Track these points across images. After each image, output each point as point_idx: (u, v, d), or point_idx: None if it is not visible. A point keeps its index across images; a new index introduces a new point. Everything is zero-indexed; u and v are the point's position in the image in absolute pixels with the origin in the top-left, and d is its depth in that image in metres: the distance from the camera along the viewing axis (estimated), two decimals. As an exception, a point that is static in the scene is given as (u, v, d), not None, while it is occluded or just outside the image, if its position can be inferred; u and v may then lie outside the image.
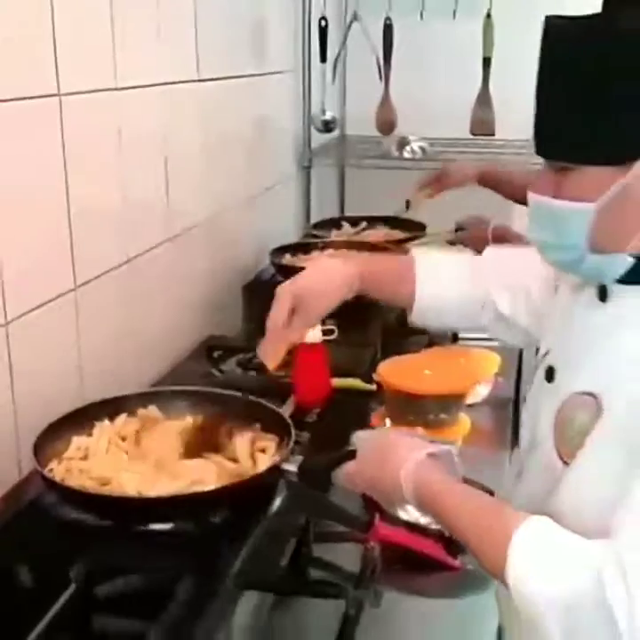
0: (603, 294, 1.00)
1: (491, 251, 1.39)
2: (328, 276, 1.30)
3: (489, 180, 2.06)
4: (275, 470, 1.10)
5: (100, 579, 0.90)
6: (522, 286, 1.27)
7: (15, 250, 1.25)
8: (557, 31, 0.94)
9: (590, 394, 0.96)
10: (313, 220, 2.70)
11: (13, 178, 1.24)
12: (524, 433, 1.14)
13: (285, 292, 1.29)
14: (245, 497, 1.05)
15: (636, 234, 0.93)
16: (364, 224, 2.46)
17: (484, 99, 2.56)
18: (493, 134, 2.57)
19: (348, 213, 2.89)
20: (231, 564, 0.97)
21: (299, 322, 1.30)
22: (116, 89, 1.51)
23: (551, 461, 1.01)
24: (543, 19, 0.97)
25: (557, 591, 0.87)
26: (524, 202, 1.24)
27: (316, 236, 2.42)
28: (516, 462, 1.18)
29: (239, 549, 1.00)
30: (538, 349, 1.19)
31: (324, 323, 1.59)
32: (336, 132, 2.82)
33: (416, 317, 1.36)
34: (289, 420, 1.22)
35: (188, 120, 1.83)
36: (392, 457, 1.04)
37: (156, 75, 1.67)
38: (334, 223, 2.54)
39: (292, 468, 1.12)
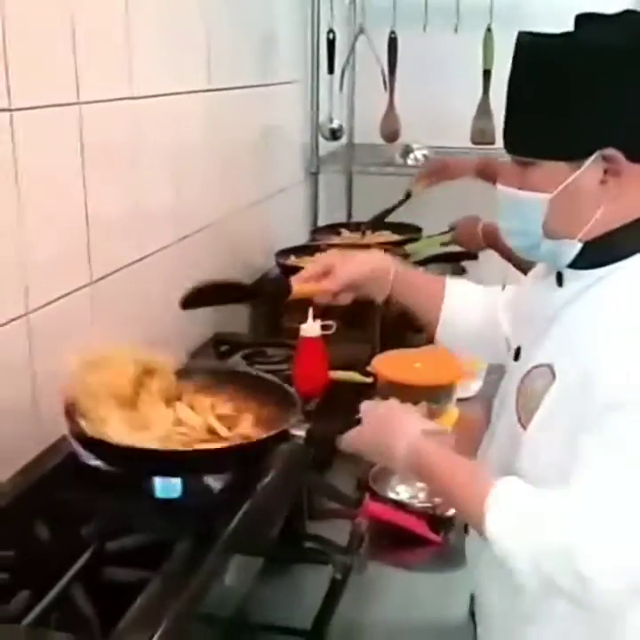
0: (559, 279, 1.11)
1: (513, 288, 1.46)
2: (372, 257, 1.38)
3: (487, 173, 2.08)
4: (284, 434, 1.18)
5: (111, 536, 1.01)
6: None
7: (39, 246, 1.37)
8: (525, 44, 1.06)
9: (545, 365, 1.07)
10: (322, 224, 2.81)
11: (37, 182, 1.35)
12: (496, 407, 1.25)
13: (327, 256, 1.41)
14: (251, 459, 1.15)
15: (586, 223, 1.03)
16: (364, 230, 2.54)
17: (484, 109, 2.65)
18: (493, 143, 2.66)
19: (355, 218, 3.00)
20: (227, 526, 1.07)
21: (330, 279, 1.35)
22: (132, 98, 1.63)
23: (513, 427, 1.12)
24: (518, 33, 1.08)
25: (528, 541, 0.98)
26: None
27: (317, 240, 2.53)
28: (489, 431, 1.28)
29: (235, 514, 1.10)
30: None
31: (323, 319, 1.70)
32: (343, 140, 2.92)
33: (441, 335, 1.40)
34: (292, 390, 1.31)
35: (199, 127, 1.94)
36: (392, 425, 1.14)
37: (170, 84, 1.78)
38: (333, 229, 2.64)
39: (300, 432, 1.20)
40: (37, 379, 1.39)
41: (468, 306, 1.38)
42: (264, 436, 1.20)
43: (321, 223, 2.85)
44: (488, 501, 1.01)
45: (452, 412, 1.72)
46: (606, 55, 1.00)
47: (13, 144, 1.29)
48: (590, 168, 1.01)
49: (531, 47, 1.06)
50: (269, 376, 1.42)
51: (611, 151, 1.00)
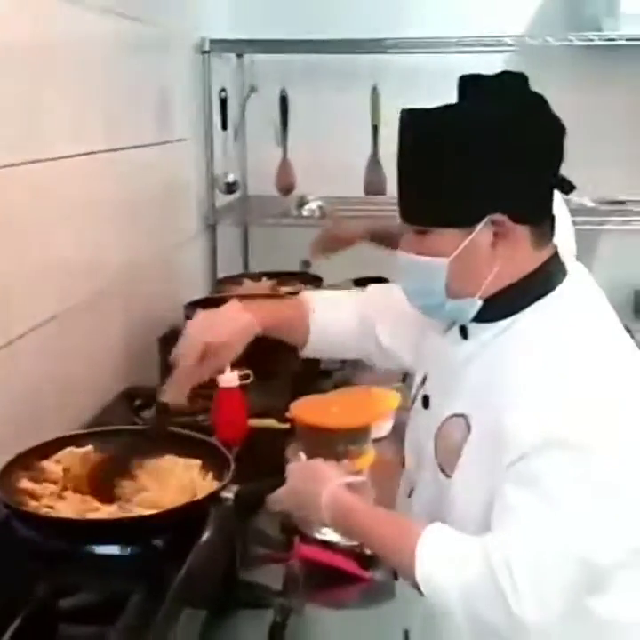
0: (464, 333, 1.19)
1: (374, 287, 1.57)
2: (234, 325, 1.40)
3: (377, 238, 2.21)
4: (214, 496, 1.23)
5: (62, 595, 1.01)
6: (401, 319, 1.41)
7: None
8: (406, 121, 1.15)
9: (460, 415, 1.15)
10: (220, 276, 2.86)
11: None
12: (410, 455, 1.32)
13: (195, 338, 1.39)
14: (186, 520, 1.18)
15: (484, 282, 1.12)
16: (265, 279, 2.61)
17: (374, 162, 2.79)
18: (385, 193, 2.79)
19: (251, 269, 3.06)
20: (172, 582, 1.10)
21: (207, 367, 1.40)
22: (38, 161, 1.65)
23: (436, 476, 1.19)
24: (400, 111, 1.16)
25: (457, 581, 1.05)
26: None
27: (221, 291, 2.57)
28: (406, 482, 1.35)
29: (179, 570, 1.12)
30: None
31: (240, 368, 1.75)
32: (238, 193, 3.00)
33: (309, 351, 1.50)
34: (228, 453, 1.34)
35: (103, 185, 1.97)
36: (315, 479, 1.20)
37: (74, 146, 1.81)
38: (235, 280, 2.70)
39: (229, 494, 1.25)
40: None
41: (332, 321, 1.47)
42: (199, 497, 1.23)
43: (220, 275, 2.89)
44: (417, 547, 1.07)
45: (370, 452, 1.78)
46: (479, 129, 1.09)
47: None
48: (481, 232, 1.10)
49: (411, 124, 1.14)
50: (200, 435, 1.44)
51: (497, 216, 1.10)
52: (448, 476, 1.15)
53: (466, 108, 1.12)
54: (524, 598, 1.02)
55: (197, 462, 1.34)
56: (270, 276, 2.64)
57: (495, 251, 1.11)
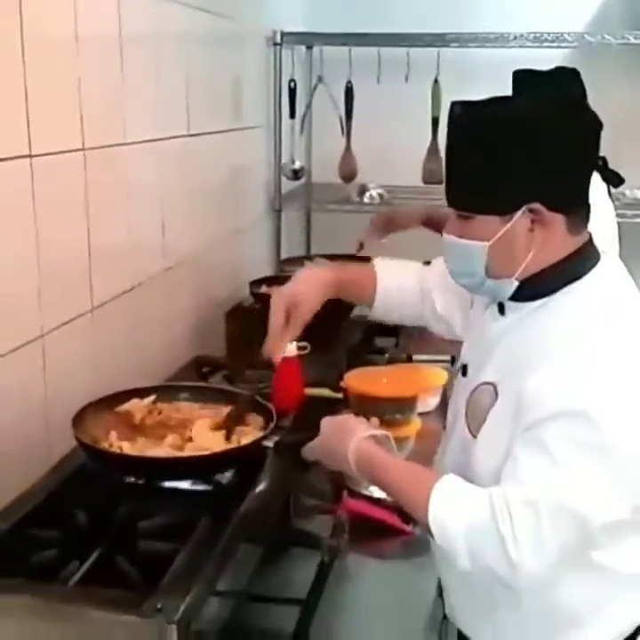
0: (501, 309, 1.32)
1: (437, 260, 1.69)
2: (311, 283, 1.56)
3: (432, 223, 2.27)
4: (256, 444, 1.39)
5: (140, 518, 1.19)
6: (454, 289, 1.50)
7: (53, 272, 1.54)
8: (456, 114, 1.25)
9: (489, 383, 1.27)
10: (282, 257, 3.02)
11: (50, 218, 1.53)
12: (449, 417, 1.45)
13: (279, 298, 1.55)
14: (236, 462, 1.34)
15: (520, 265, 1.23)
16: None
17: (433, 152, 2.91)
18: (442, 183, 2.88)
19: (313, 252, 3.21)
20: (233, 515, 1.26)
21: (293, 322, 1.54)
22: (124, 144, 1.82)
23: (465, 435, 1.32)
24: (450, 103, 1.27)
25: (462, 522, 1.18)
26: None
27: (285, 271, 2.73)
28: (443, 440, 1.48)
29: (239, 507, 1.28)
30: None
31: (298, 340, 1.90)
32: (303, 180, 3.15)
33: (376, 310, 1.64)
34: (273, 410, 1.51)
35: (179, 169, 2.14)
36: (343, 432, 1.33)
37: (157, 131, 1.98)
38: (300, 261, 2.85)
39: (269, 443, 1.42)
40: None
41: (396, 285, 1.61)
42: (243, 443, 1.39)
43: (283, 257, 3.05)
44: (431, 494, 1.20)
45: (415, 422, 1.92)
46: (520, 124, 1.18)
47: (32, 182, 1.47)
48: (519, 220, 1.20)
49: (460, 117, 1.24)
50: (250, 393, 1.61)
51: (534, 205, 1.20)
52: (474, 437, 1.28)
53: (510, 103, 1.22)
54: (522, 545, 1.13)
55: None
56: (331, 258, 2.77)
57: (532, 236, 1.21)
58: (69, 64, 1.58)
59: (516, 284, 1.25)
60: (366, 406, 1.88)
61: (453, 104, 1.24)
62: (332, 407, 1.97)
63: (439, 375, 2.09)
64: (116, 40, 1.75)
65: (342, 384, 1.97)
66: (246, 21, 2.60)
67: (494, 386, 1.25)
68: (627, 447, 1.14)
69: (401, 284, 1.63)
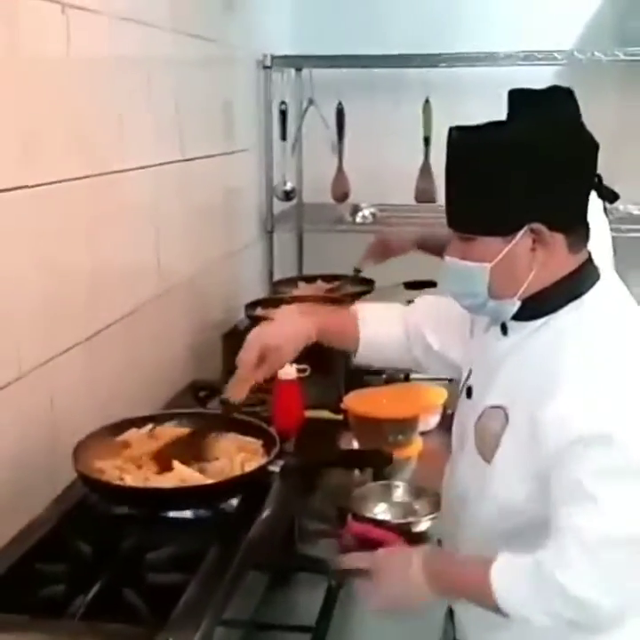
0: (504, 329, 1.32)
1: (421, 299, 1.68)
2: (290, 330, 1.51)
3: (427, 246, 2.28)
4: (262, 470, 1.38)
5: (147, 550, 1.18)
6: (448, 325, 1.53)
7: (61, 295, 1.53)
8: (455, 138, 1.26)
9: (499, 406, 1.27)
10: (275, 278, 3.01)
11: (52, 242, 1.53)
12: (455, 439, 1.44)
13: (254, 341, 1.50)
14: (242, 489, 1.33)
15: (522, 285, 1.24)
16: (328, 282, 2.75)
17: (425, 171, 2.92)
18: (435, 201, 2.92)
19: (305, 273, 3.21)
20: (240, 543, 1.25)
21: (266, 367, 1.50)
22: (120, 171, 1.82)
23: (475, 460, 1.31)
24: (449, 129, 1.28)
25: (530, 596, 1.18)
26: None
27: (278, 293, 2.73)
28: (451, 462, 1.47)
29: (246, 534, 1.27)
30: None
31: (298, 362, 1.89)
32: (295, 201, 3.15)
33: (360, 358, 1.61)
34: (275, 434, 1.49)
35: (174, 194, 2.14)
36: (400, 572, 1.28)
37: (152, 157, 1.98)
38: (293, 282, 2.85)
39: (275, 468, 1.40)
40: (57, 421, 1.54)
41: (378, 329, 1.57)
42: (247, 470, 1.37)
43: (276, 278, 3.04)
44: (491, 582, 1.19)
45: (417, 442, 1.91)
46: (520, 148, 1.19)
47: (33, 213, 1.47)
48: (520, 240, 1.21)
49: (459, 141, 1.25)
50: (252, 419, 1.59)
51: (536, 225, 1.20)
52: (487, 462, 1.27)
53: (508, 127, 1.23)
54: (585, 582, 1.14)
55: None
56: (324, 278, 2.78)
57: (533, 256, 1.22)
58: (65, 93, 1.58)
59: (518, 303, 1.26)
60: (367, 428, 1.88)
61: (452, 129, 1.25)
62: (333, 429, 1.97)
63: (439, 394, 2.08)
64: (110, 66, 1.76)
65: (342, 406, 1.97)
66: (236, 46, 2.61)
67: (504, 409, 1.25)
68: None
69: (384, 332, 1.59)
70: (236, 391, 1.51)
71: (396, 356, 1.62)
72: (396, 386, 2.18)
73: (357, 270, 2.50)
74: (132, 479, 1.32)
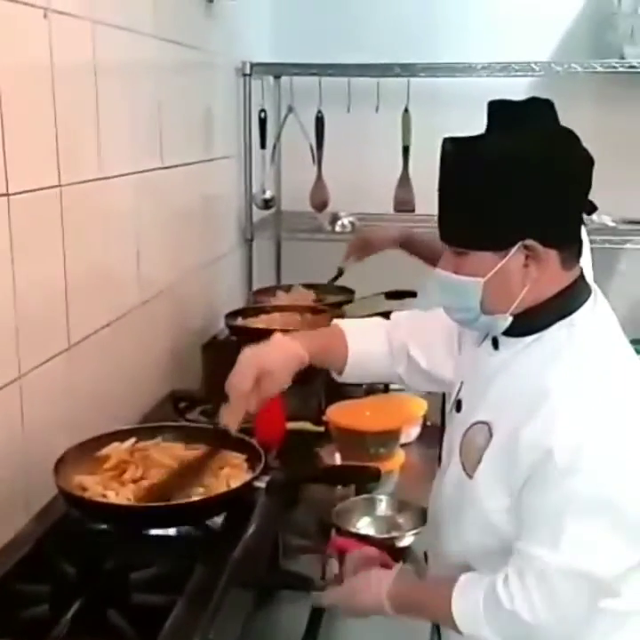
0: (495, 344, 1.31)
1: (403, 315, 1.63)
2: (286, 353, 1.47)
3: (409, 245, 2.29)
4: (248, 486, 1.36)
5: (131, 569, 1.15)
6: (434, 342, 1.52)
7: (29, 310, 1.50)
8: (447, 150, 1.24)
9: (485, 422, 1.26)
10: (254, 287, 2.99)
11: (27, 253, 1.49)
12: (443, 454, 1.43)
13: (251, 367, 1.44)
14: (228, 506, 1.31)
15: (515, 301, 1.23)
16: (301, 288, 2.75)
17: (404, 180, 2.92)
18: (413, 211, 2.92)
19: (283, 282, 3.19)
20: (227, 562, 1.23)
21: (261, 393, 1.45)
22: (100, 179, 1.79)
23: (459, 474, 1.30)
24: (442, 140, 1.26)
25: (487, 624, 1.20)
26: (433, 262, 1.51)
27: (257, 302, 2.71)
28: (438, 477, 1.46)
29: (231, 552, 1.25)
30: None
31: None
32: (274, 209, 3.13)
33: (346, 376, 1.59)
34: (260, 448, 1.47)
35: (153, 201, 2.11)
36: (369, 584, 1.33)
37: (131, 164, 1.95)
38: (271, 291, 2.84)
39: (261, 484, 1.38)
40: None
41: (368, 349, 1.55)
42: (233, 486, 1.35)
43: (255, 287, 3.02)
44: (453, 602, 1.23)
45: (399, 455, 1.90)
46: (515, 161, 1.18)
47: (9, 221, 1.44)
48: (514, 256, 1.20)
49: (453, 154, 1.23)
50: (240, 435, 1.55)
51: (529, 241, 1.19)
52: (469, 477, 1.27)
53: (503, 138, 1.19)
54: (537, 607, 1.16)
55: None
56: (303, 287, 2.77)
57: (526, 272, 1.21)
58: (45, 100, 1.55)
59: (510, 319, 1.25)
60: (350, 441, 1.86)
61: (445, 140, 1.24)
62: (315, 442, 1.96)
63: (419, 405, 2.07)
64: (91, 72, 1.73)
65: (324, 418, 1.95)
66: (216, 52, 2.59)
67: (489, 425, 1.24)
68: (625, 495, 1.14)
69: (371, 350, 1.57)
70: (233, 419, 1.45)
71: (382, 371, 1.60)
72: (378, 397, 2.17)
73: (341, 269, 2.50)
74: (114, 496, 1.29)
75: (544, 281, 1.22)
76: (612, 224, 3.01)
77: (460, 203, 1.22)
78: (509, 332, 1.26)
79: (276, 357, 1.46)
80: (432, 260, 2.20)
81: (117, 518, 1.26)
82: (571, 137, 1.22)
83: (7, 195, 1.42)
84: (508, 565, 1.20)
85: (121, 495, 1.29)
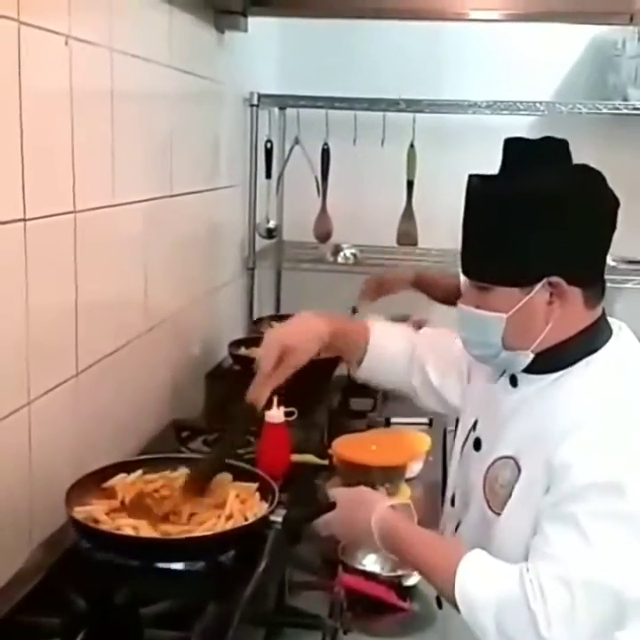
0: (514, 381, 1.30)
1: (427, 329, 1.68)
2: (308, 329, 1.51)
3: (421, 285, 2.35)
4: (264, 520, 1.34)
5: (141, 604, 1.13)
6: (451, 362, 1.53)
7: (39, 336, 1.48)
8: (473, 186, 1.26)
9: (510, 457, 1.25)
10: (255, 316, 2.99)
11: (41, 277, 1.48)
12: (457, 495, 1.42)
13: (274, 340, 1.49)
14: (242, 541, 1.29)
15: (538, 338, 1.23)
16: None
17: (407, 214, 2.93)
18: (416, 244, 2.93)
19: (283, 311, 3.19)
20: (240, 597, 1.20)
21: (283, 369, 1.48)
22: (112, 206, 1.79)
23: (484, 513, 1.29)
24: (468, 176, 1.28)
25: (491, 598, 1.15)
26: (446, 302, 1.51)
27: (257, 332, 2.70)
28: (452, 518, 1.45)
29: (243, 587, 1.23)
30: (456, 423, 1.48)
31: (285, 405, 1.86)
32: (276, 238, 3.14)
33: (362, 371, 1.60)
34: (273, 482, 1.45)
35: (161, 229, 2.10)
36: (364, 504, 1.30)
37: (143, 192, 1.95)
38: (270, 321, 2.83)
39: (278, 518, 1.36)
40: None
41: (389, 348, 1.58)
42: (247, 522, 1.33)
43: (255, 316, 3.02)
44: (458, 568, 1.18)
45: (404, 490, 1.89)
46: (543, 199, 1.19)
47: (25, 246, 1.43)
48: (539, 292, 1.20)
49: (478, 190, 1.24)
50: (248, 466, 1.56)
51: (554, 278, 1.20)
52: (496, 514, 1.25)
53: (531, 177, 1.20)
54: (554, 625, 1.12)
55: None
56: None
57: (550, 309, 1.21)
58: (64, 126, 1.54)
59: (531, 356, 1.24)
60: (356, 475, 1.84)
61: (471, 177, 1.24)
62: (319, 475, 1.94)
63: (423, 441, 2.06)
64: (108, 100, 1.73)
65: (329, 451, 1.93)
66: (225, 83, 2.60)
67: (515, 460, 1.23)
68: None
69: (392, 350, 1.60)
70: (259, 394, 1.48)
71: (396, 377, 1.62)
72: (381, 431, 2.16)
73: (354, 310, 2.50)
74: (128, 528, 1.27)
75: (567, 319, 1.23)
76: (612, 263, 3.03)
77: (485, 238, 1.23)
78: (529, 370, 1.26)
79: (297, 334, 1.50)
80: (444, 299, 2.25)
81: (132, 551, 1.23)
82: (599, 176, 1.22)
83: (24, 220, 1.41)
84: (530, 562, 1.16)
85: (134, 526, 1.27)
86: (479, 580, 1.17)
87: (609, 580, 1.13)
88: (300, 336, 1.49)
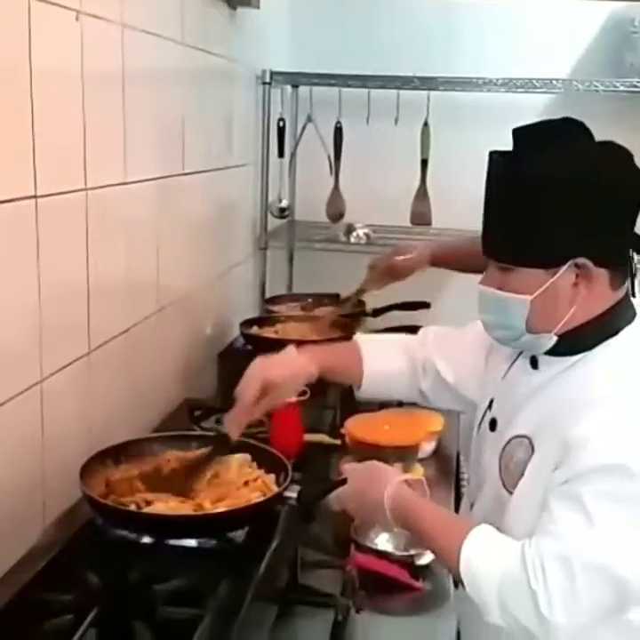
0: (534, 363, 1.28)
1: (425, 330, 1.65)
2: (291, 370, 1.50)
3: (439, 261, 2.24)
4: (278, 497, 1.34)
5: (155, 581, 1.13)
6: (461, 359, 1.52)
7: (51, 316, 1.48)
8: (497, 163, 1.22)
9: (524, 436, 1.24)
10: (266, 296, 2.98)
11: (52, 257, 1.48)
12: (471, 474, 1.41)
13: (259, 372, 1.47)
14: (256, 518, 1.29)
15: (562, 320, 1.21)
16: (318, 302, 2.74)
17: (421, 193, 2.90)
18: (430, 224, 2.90)
19: (295, 291, 3.18)
20: (253, 575, 1.20)
21: (265, 404, 1.48)
22: (124, 183, 1.77)
23: (498, 492, 1.28)
24: (489, 153, 1.25)
25: (494, 574, 1.15)
26: (467, 270, 1.46)
27: (270, 311, 2.70)
28: (468, 496, 1.44)
29: (257, 564, 1.23)
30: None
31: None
32: (288, 218, 3.12)
33: (363, 392, 1.61)
34: (285, 459, 1.45)
35: (173, 208, 2.09)
36: (377, 479, 1.30)
37: (155, 170, 1.94)
38: (283, 300, 2.83)
39: (292, 494, 1.35)
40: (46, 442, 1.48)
41: (385, 365, 1.57)
42: (263, 498, 1.34)
43: (266, 295, 3.01)
44: (464, 542, 1.17)
45: (417, 470, 1.88)
46: (569, 178, 1.15)
47: (36, 223, 1.42)
48: (564, 274, 1.17)
49: (500, 168, 1.20)
50: (261, 444, 1.55)
51: (582, 260, 1.17)
52: (510, 492, 1.24)
53: (555, 155, 1.16)
54: (554, 603, 1.11)
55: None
56: (313, 297, 2.77)
57: (576, 291, 1.18)
58: (75, 103, 1.53)
59: (554, 338, 1.22)
60: (368, 455, 1.83)
61: (492, 154, 1.21)
62: (332, 454, 1.94)
63: (436, 421, 2.05)
64: (120, 76, 1.71)
65: (342, 431, 1.93)
66: (237, 60, 2.58)
67: (529, 439, 1.22)
68: None
69: (388, 367, 1.59)
70: (234, 427, 1.47)
71: (400, 389, 1.61)
72: (393, 411, 2.14)
73: (362, 290, 2.48)
74: (145, 505, 1.27)
75: (592, 300, 1.20)
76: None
77: (509, 218, 1.20)
78: (551, 352, 1.24)
79: (282, 371, 1.48)
80: (464, 269, 2.06)
81: (148, 527, 1.23)
82: (625, 154, 1.20)
83: (35, 197, 1.40)
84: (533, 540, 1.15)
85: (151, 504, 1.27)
86: (484, 556, 1.17)
87: (610, 563, 1.11)
88: (285, 372, 1.48)
